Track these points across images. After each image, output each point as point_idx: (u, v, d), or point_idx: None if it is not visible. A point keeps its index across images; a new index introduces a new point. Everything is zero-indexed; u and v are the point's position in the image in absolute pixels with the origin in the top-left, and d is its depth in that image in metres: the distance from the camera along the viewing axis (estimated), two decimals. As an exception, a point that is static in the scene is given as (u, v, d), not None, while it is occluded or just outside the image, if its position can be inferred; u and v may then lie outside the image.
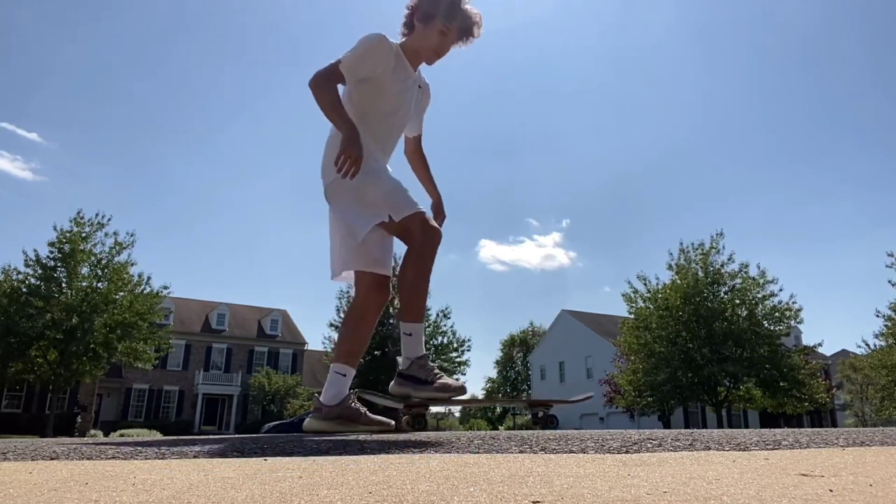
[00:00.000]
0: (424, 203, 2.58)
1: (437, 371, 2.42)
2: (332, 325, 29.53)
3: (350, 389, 2.47)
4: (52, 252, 21.57)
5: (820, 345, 24.66)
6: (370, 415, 2.46)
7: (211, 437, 2.42)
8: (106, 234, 22.53)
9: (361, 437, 2.08)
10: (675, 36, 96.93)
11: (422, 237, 2.34)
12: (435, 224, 2.43)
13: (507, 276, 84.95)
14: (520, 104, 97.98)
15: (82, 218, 22.27)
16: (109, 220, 22.69)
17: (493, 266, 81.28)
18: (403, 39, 2.54)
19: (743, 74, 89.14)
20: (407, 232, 2.36)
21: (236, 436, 2.16)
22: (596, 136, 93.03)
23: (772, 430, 2.38)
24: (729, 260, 23.16)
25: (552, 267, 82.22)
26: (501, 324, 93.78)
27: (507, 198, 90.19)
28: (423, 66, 2.61)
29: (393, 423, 2.50)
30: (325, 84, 2.33)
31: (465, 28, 2.46)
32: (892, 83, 75.23)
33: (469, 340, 30.18)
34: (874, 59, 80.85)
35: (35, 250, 21.63)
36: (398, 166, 2.70)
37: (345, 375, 2.44)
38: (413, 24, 2.48)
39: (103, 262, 22.19)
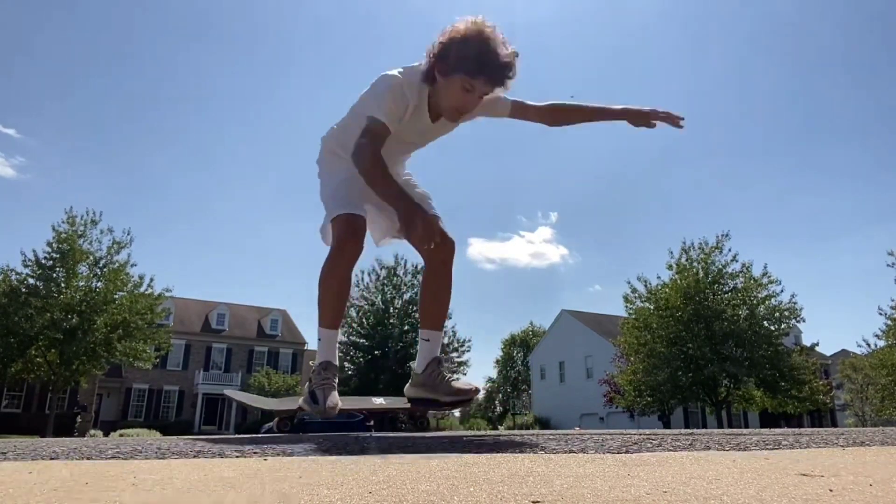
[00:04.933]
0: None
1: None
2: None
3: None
4: (48, 252, 21.62)
5: (816, 345, 24.71)
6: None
7: (211, 436, 2.43)
8: (101, 232, 22.53)
9: (362, 437, 2.08)
10: (663, 25, 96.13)
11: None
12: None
13: (497, 274, 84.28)
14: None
15: (74, 217, 22.29)
16: (101, 215, 22.67)
17: (483, 265, 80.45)
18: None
19: (734, 65, 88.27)
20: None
21: (236, 436, 2.17)
22: (581, 130, 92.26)
23: (772, 430, 2.38)
24: (732, 260, 23.18)
25: (542, 264, 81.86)
26: (498, 322, 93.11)
27: (493, 194, 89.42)
28: None
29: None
30: (364, 157, 2.09)
31: (494, 77, 2.08)
32: (891, 77, 75.08)
33: (469, 341, 30.27)
34: (874, 51, 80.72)
35: (34, 251, 21.71)
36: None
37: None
38: (434, 75, 2.14)
39: (101, 262, 22.20)
